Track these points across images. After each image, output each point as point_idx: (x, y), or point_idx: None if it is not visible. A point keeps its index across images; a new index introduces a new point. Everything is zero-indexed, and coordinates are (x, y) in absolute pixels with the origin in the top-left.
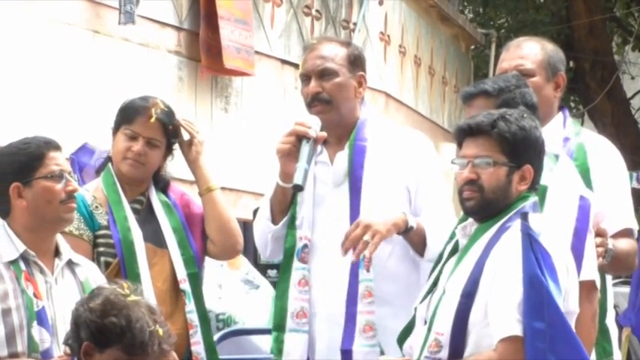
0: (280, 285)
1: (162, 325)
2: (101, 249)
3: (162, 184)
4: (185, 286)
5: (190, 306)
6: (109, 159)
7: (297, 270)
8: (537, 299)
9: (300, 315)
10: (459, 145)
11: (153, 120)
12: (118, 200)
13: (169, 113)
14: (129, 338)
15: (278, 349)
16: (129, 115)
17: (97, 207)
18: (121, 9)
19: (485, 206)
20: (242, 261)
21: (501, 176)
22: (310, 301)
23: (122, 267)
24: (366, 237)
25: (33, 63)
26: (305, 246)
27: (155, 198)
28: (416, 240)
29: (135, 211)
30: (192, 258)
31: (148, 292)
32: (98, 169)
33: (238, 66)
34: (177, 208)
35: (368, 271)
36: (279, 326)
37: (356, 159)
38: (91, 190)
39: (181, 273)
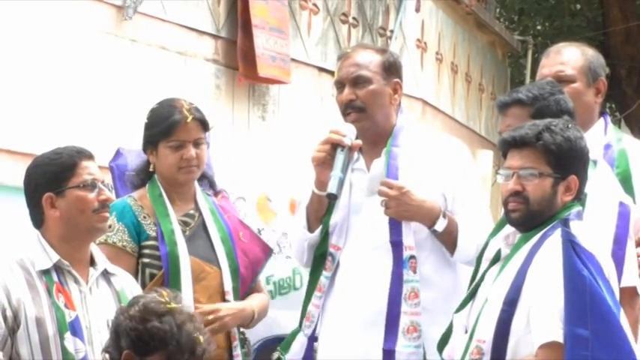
0: (308, 291)
1: (203, 333)
2: (146, 260)
3: (208, 180)
4: (230, 297)
5: None
6: (151, 174)
7: (321, 277)
8: (580, 305)
9: (307, 318)
10: (504, 156)
11: (190, 120)
12: (165, 213)
13: (196, 107)
14: (174, 345)
15: (287, 344)
16: (166, 128)
17: (145, 217)
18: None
19: (530, 218)
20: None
21: (547, 187)
22: (325, 306)
23: (166, 280)
24: (383, 202)
25: (69, 72)
26: (330, 254)
27: (205, 207)
28: (446, 239)
29: (186, 224)
30: (236, 270)
31: (190, 307)
32: (137, 183)
33: (273, 74)
34: (220, 213)
35: (415, 272)
36: (300, 327)
37: (391, 164)
38: (138, 200)
39: (228, 285)
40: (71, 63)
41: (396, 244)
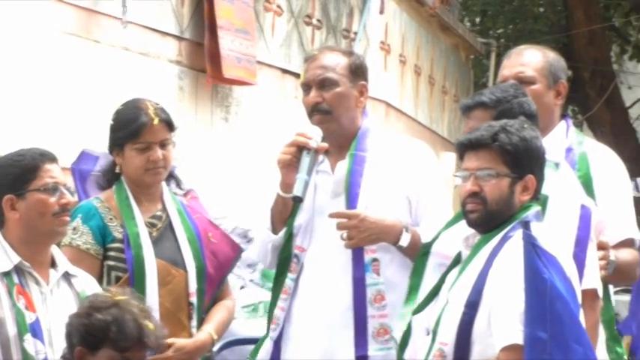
0: (273, 294)
1: (153, 320)
2: (112, 262)
3: (175, 179)
4: (193, 299)
5: (194, 321)
6: (117, 175)
7: (285, 279)
8: (540, 308)
9: (273, 322)
10: (461, 158)
11: (156, 122)
12: (131, 216)
13: (161, 107)
14: (116, 332)
15: (256, 350)
16: (133, 130)
17: (111, 219)
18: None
19: (488, 218)
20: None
21: (504, 187)
22: (291, 309)
23: (131, 284)
24: (345, 235)
25: (33, 72)
26: (295, 256)
27: (172, 208)
28: (410, 253)
29: (153, 226)
30: (203, 271)
31: (154, 311)
32: (103, 184)
33: (239, 75)
34: (188, 213)
35: (378, 274)
36: (267, 331)
37: (355, 169)
38: (105, 202)
39: (192, 287)
40: (34, 64)
41: (356, 249)
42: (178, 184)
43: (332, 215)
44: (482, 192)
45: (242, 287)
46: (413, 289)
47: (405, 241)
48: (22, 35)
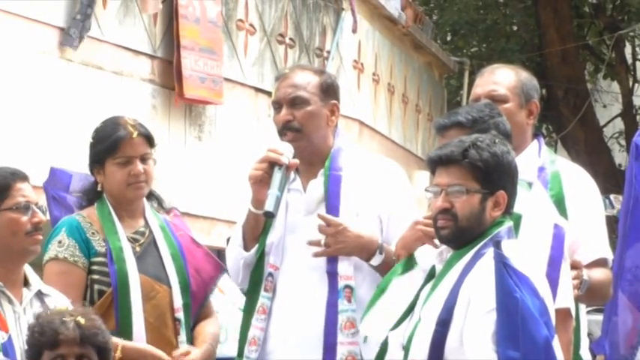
0: (245, 312)
1: (85, 316)
2: (96, 277)
3: (157, 199)
4: (180, 315)
5: (183, 336)
6: (98, 194)
7: (260, 297)
8: (512, 327)
9: (252, 343)
10: (433, 174)
11: (136, 136)
12: (114, 231)
13: (140, 123)
14: (37, 333)
15: None
16: (112, 145)
17: (93, 233)
18: (68, 31)
19: (459, 234)
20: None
21: (475, 204)
22: (268, 330)
23: (115, 298)
24: (323, 241)
25: (5, 91)
26: (269, 274)
27: (155, 224)
28: (382, 271)
29: (135, 241)
30: (187, 286)
31: (139, 325)
32: (84, 204)
33: (202, 95)
34: (171, 230)
35: (349, 302)
36: (239, 353)
37: (331, 189)
38: (87, 217)
39: (178, 302)
40: (8, 83)
41: (332, 274)
42: (160, 203)
43: (319, 216)
44: (452, 208)
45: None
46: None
47: (375, 261)
48: None
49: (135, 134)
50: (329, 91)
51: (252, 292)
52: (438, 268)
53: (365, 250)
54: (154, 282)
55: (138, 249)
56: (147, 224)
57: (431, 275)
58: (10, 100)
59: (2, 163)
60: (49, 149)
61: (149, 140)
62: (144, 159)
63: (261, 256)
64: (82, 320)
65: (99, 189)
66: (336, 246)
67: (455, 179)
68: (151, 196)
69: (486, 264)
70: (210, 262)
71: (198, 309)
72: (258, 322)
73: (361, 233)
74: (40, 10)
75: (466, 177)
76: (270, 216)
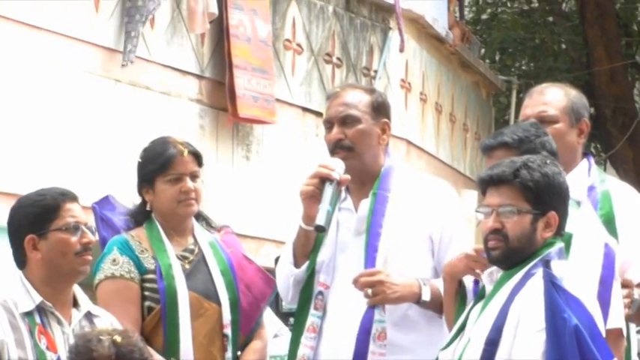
0: (294, 330)
1: (122, 334)
2: (146, 293)
3: (204, 219)
4: (228, 331)
5: (229, 353)
6: (147, 215)
7: (310, 316)
8: (561, 347)
9: None
10: (483, 194)
11: (186, 154)
12: (163, 249)
13: (188, 142)
14: (75, 352)
15: None
16: (163, 163)
17: (142, 251)
18: (125, 50)
19: (510, 255)
20: None
21: (526, 224)
22: (318, 349)
23: (163, 315)
24: (370, 291)
25: (55, 112)
26: (320, 292)
27: (204, 241)
28: (431, 307)
29: (185, 259)
30: (236, 302)
31: (186, 342)
32: (132, 226)
33: (255, 115)
34: (221, 246)
35: (385, 313)
36: None
37: (377, 208)
38: (135, 236)
39: (227, 318)
40: (56, 103)
41: None
42: (209, 223)
43: (354, 280)
44: (503, 229)
45: (275, 335)
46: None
47: (426, 294)
48: (45, 75)
49: (185, 152)
50: (380, 109)
51: (301, 310)
52: (488, 288)
53: (413, 288)
54: (203, 299)
55: (187, 266)
56: (196, 242)
57: (480, 296)
58: (59, 120)
59: (52, 184)
60: (97, 169)
61: (198, 159)
62: (193, 177)
63: (311, 274)
64: (118, 338)
65: (148, 208)
66: (388, 291)
67: (506, 199)
68: (199, 216)
69: (536, 284)
70: (262, 278)
71: (252, 326)
72: (308, 340)
73: (404, 283)
74: (88, 31)
75: (517, 197)
76: (321, 230)
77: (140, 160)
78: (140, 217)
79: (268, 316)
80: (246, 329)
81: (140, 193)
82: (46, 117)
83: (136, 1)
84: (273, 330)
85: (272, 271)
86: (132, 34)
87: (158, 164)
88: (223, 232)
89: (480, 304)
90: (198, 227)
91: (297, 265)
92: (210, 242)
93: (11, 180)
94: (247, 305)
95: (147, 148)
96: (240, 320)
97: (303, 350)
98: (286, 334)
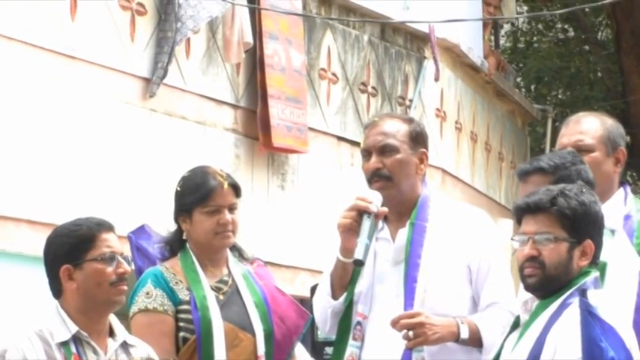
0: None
1: None
2: (181, 324)
3: (237, 249)
4: None
5: None
6: (182, 244)
7: (349, 347)
8: None
9: None
10: (518, 222)
11: (227, 186)
12: (197, 280)
13: (227, 173)
14: None
15: None
16: (202, 195)
17: (177, 283)
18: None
19: (546, 283)
20: None
21: (563, 252)
22: None
23: (198, 345)
24: (411, 333)
25: (90, 141)
26: (358, 323)
27: (238, 273)
28: (470, 344)
29: (219, 290)
30: (271, 334)
31: None
32: (167, 254)
33: (289, 144)
34: (254, 279)
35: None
36: None
37: (415, 238)
38: (170, 267)
39: (261, 349)
40: (93, 132)
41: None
42: (241, 254)
43: (393, 321)
44: (540, 256)
45: None
46: None
47: (465, 333)
48: (80, 105)
49: (225, 184)
50: (418, 139)
51: (340, 341)
52: (523, 317)
53: (452, 328)
54: (238, 330)
55: (221, 297)
56: (230, 273)
57: (515, 325)
58: (96, 150)
59: (88, 213)
60: (133, 198)
61: (237, 190)
62: (231, 208)
63: (349, 305)
64: None
65: (184, 237)
66: (429, 332)
67: (543, 227)
68: (233, 247)
69: (573, 313)
70: (295, 310)
71: (282, 358)
72: None
73: (443, 323)
74: (124, 61)
75: (554, 225)
76: (359, 264)
77: (179, 189)
78: (175, 245)
79: (303, 353)
80: None
81: (177, 221)
82: (82, 146)
83: (165, 32)
84: None
85: (307, 301)
86: (158, 65)
87: (197, 195)
88: (255, 264)
89: (515, 334)
90: (232, 259)
91: (334, 296)
92: (244, 274)
93: (48, 209)
94: (281, 337)
95: (186, 177)
96: (274, 352)
97: None
98: None
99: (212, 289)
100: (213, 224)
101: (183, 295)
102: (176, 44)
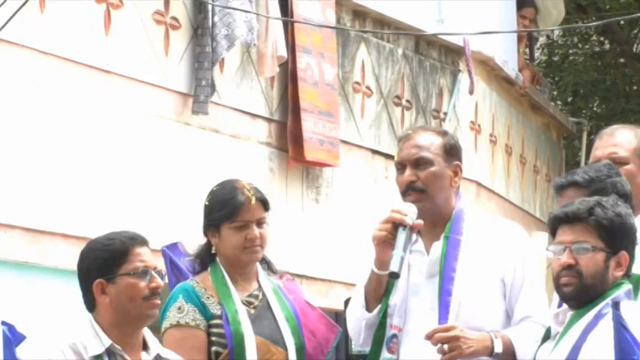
0: None
1: None
2: (213, 338)
3: (266, 263)
4: None
5: None
6: (211, 257)
7: (384, 359)
8: None
9: None
10: (553, 233)
11: (254, 201)
12: (228, 294)
13: (256, 187)
14: None
15: None
16: (231, 210)
17: (208, 297)
18: (194, 98)
19: (583, 292)
20: None
21: (599, 262)
22: None
23: (231, 359)
24: (446, 347)
25: (125, 155)
26: (394, 335)
27: (268, 287)
28: (503, 358)
29: (250, 304)
30: (302, 348)
31: None
32: (197, 268)
33: (321, 158)
34: (284, 293)
35: None
36: None
37: (450, 252)
38: (201, 282)
39: None
40: (126, 146)
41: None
42: (270, 267)
43: (428, 335)
44: (577, 265)
45: None
46: None
47: (499, 347)
48: (113, 118)
49: (253, 200)
50: (452, 152)
51: (374, 354)
52: (554, 329)
53: (486, 342)
54: (270, 344)
55: (252, 311)
56: (260, 287)
57: (546, 336)
58: (129, 163)
59: (122, 227)
60: (167, 212)
61: (265, 205)
62: (259, 223)
63: (383, 317)
64: None
65: (213, 251)
66: (464, 346)
67: (580, 236)
68: (262, 260)
69: (608, 325)
70: (325, 323)
71: None
72: None
73: (477, 337)
74: (158, 75)
75: (591, 235)
76: (395, 277)
77: (207, 204)
78: (206, 258)
79: None
80: None
81: (206, 235)
82: (117, 161)
83: (204, 47)
84: None
85: (341, 314)
86: (202, 82)
87: (225, 211)
88: (285, 278)
89: (548, 345)
90: (262, 273)
91: (369, 309)
92: (274, 289)
93: (82, 223)
94: (312, 350)
95: (214, 192)
96: None
97: None
98: None
99: (243, 303)
100: (241, 239)
101: (214, 309)
102: (218, 59)
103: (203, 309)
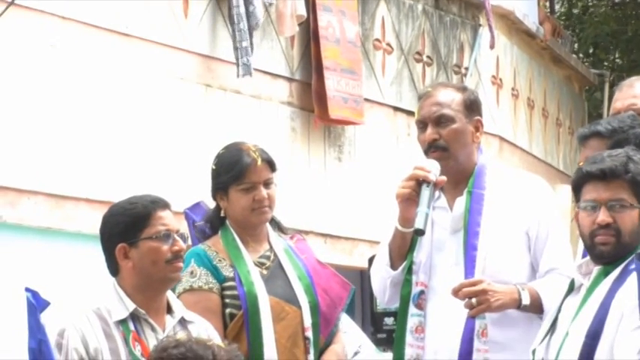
0: (397, 332)
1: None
2: (227, 300)
3: (276, 223)
4: (309, 334)
5: (312, 355)
6: (222, 220)
7: (412, 316)
8: None
9: None
10: (577, 188)
11: (260, 162)
12: (240, 256)
13: (262, 148)
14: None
15: None
16: (237, 172)
17: (220, 260)
18: (238, 62)
19: (620, 250)
20: None
21: (635, 219)
22: (425, 348)
23: (245, 320)
24: (474, 300)
25: (146, 118)
26: (422, 292)
27: (279, 247)
28: (531, 310)
29: (262, 265)
30: (316, 306)
31: (270, 346)
32: (208, 232)
33: (345, 116)
34: (296, 253)
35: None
36: None
37: (474, 207)
38: (212, 246)
39: (307, 321)
40: (147, 109)
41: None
42: (280, 227)
43: (455, 290)
44: (615, 223)
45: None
46: None
47: (526, 299)
48: (135, 82)
49: (259, 161)
50: (473, 107)
51: (403, 311)
52: (578, 280)
53: (513, 295)
54: (284, 303)
55: (265, 272)
56: (271, 248)
57: (570, 288)
58: (150, 127)
59: (144, 190)
60: (189, 174)
61: (271, 165)
62: (267, 184)
63: (408, 274)
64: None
65: (222, 214)
66: (492, 299)
67: (616, 194)
68: (272, 221)
69: (635, 281)
70: (338, 282)
71: (331, 329)
72: (417, 340)
73: (504, 290)
74: (178, 37)
75: (627, 191)
76: (420, 234)
77: (214, 167)
78: (216, 222)
79: (352, 328)
80: (326, 332)
81: (214, 198)
82: (138, 124)
83: (238, 8)
84: (354, 347)
85: (366, 272)
86: (243, 44)
87: (232, 173)
88: (295, 238)
89: (573, 298)
90: (272, 234)
91: (393, 266)
92: (285, 249)
93: (105, 188)
94: (326, 308)
95: (221, 155)
96: (320, 323)
97: (414, 351)
98: (367, 349)
99: (255, 264)
100: (249, 201)
101: (227, 272)
102: (258, 21)
103: (215, 272)
